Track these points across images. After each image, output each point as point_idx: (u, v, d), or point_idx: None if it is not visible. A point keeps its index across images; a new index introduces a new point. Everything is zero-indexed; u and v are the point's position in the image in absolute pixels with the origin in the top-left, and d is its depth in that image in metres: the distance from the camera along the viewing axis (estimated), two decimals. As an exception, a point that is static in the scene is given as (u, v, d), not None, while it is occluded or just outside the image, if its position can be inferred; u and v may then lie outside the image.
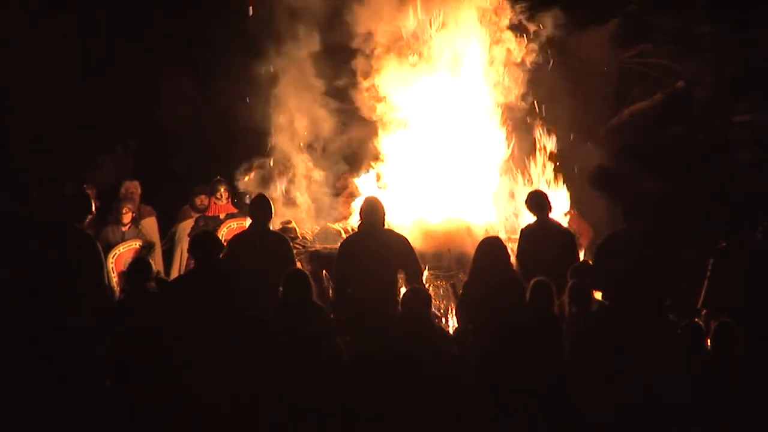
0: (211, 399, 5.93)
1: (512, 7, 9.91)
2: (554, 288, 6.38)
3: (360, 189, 10.08)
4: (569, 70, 11.13)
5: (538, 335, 6.21)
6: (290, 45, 10.29)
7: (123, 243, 9.00)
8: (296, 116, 10.42)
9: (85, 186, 9.65)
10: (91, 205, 7.15)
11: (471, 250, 7.43)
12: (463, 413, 6.03)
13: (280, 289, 6.39)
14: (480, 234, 8.85)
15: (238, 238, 7.61)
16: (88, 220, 7.13)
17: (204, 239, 6.80)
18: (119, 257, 8.80)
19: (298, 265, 8.98)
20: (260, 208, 7.46)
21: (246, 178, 10.04)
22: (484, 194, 9.88)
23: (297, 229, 9.79)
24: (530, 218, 7.98)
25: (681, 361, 6.22)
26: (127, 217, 9.27)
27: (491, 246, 6.81)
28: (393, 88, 9.93)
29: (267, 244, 7.27)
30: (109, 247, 8.76)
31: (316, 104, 10.32)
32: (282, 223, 10.02)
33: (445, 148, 10.03)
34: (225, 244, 7.40)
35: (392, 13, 9.85)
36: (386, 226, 7.43)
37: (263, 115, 10.47)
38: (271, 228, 7.61)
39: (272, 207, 7.55)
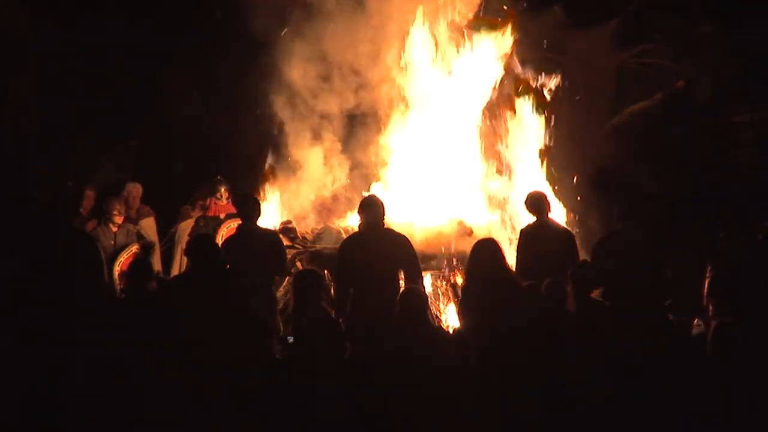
0: (211, 398, 5.93)
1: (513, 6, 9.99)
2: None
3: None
4: (569, 70, 11.15)
5: (540, 335, 6.22)
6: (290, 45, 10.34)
7: (124, 250, 8.89)
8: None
9: (80, 185, 9.66)
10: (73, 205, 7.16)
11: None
12: (462, 413, 6.03)
13: (292, 289, 6.46)
14: (481, 234, 8.88)
15: (230, 239, 7.73)
16: (87, 222, 7.13)
17: (198, 244, 6.80)
18: (124, 264, 8.66)
19: (298, 265, 9.03)
20: (247, 206, 7.61)
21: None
22: (482, 195, 9.92)
23: (297, 229, 9.81)
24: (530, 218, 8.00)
25: (679, 361, 6.22)
26: (118, 218, 9.01)
27: (484, 248, 6.76)
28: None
29: (255, 243, 7.35)
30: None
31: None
32: (282, 223, 10.05)
33: (443, 149, 10.07)
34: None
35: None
36: (386, 226, 7.43)
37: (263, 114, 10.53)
38: (260, 226, 7.77)
39: (260, 204, 7.74)
